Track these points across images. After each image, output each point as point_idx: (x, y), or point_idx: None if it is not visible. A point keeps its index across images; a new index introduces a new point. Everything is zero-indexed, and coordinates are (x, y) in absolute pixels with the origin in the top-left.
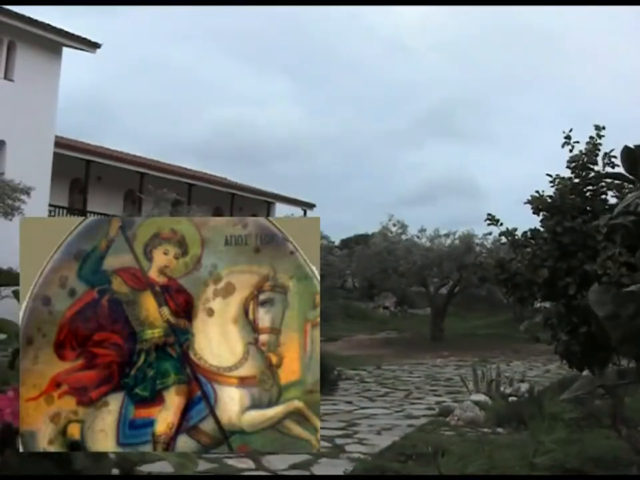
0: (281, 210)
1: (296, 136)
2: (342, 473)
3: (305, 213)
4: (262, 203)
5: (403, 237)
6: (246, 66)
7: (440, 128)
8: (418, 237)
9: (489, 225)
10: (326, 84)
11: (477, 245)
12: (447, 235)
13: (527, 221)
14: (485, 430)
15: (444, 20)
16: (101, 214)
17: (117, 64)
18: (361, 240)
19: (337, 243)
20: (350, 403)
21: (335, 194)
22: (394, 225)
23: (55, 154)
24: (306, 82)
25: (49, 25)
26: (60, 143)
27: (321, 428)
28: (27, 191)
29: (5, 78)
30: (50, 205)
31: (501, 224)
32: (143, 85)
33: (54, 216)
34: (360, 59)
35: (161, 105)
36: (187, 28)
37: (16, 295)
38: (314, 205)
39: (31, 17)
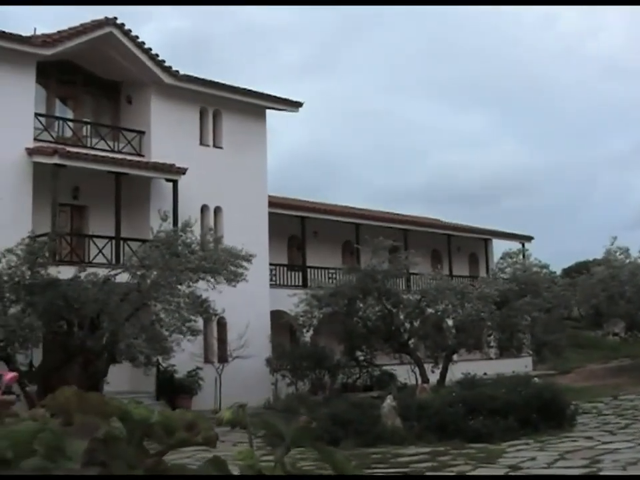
0: (498, 246)
1: (517, 170)
2: None
3: (523, 246)
4: (479, 240)
5: (627, 260)
6: (456, 107)
7: None
8: None
9: None
10: (540, 115)
11: None
12: None
13: None
14: None
15: None
16: (320, 268)
17: (333, 119)
18: (582, 267)
19: (558, 273)
20: (590, 438)
21: (561, 224)
22: (615, 251)
23: (271, 213)
24: (520, 116)
25: (250, 90)
26: (274, 202)
27: (563, 467)
28: (248, 258)
29: (214, 146)
30: (270, 264)
31: None
32: (360, 137)
33: (275, 275)
34: (571, 84)
35: (378, 156)
36: (396, 77)
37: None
38: (532, 238)
39: (233, 84)
